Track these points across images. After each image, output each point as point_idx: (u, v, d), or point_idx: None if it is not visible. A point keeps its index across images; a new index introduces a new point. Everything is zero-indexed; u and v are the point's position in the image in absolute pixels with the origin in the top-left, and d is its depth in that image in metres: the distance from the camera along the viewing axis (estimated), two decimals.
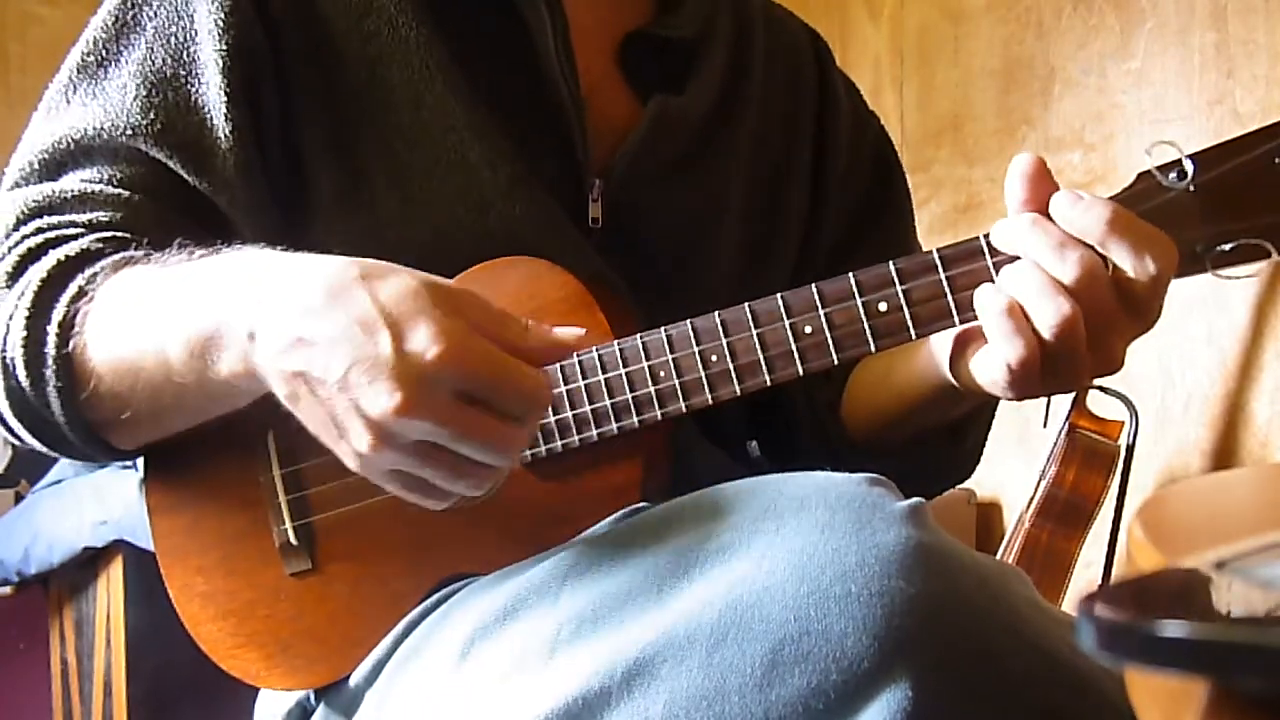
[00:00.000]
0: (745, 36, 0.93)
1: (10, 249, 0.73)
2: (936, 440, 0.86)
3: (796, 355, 0.68)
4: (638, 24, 0.87)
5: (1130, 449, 1.80)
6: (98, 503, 1.93)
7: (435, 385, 0.57)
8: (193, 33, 0.77)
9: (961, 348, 0.71)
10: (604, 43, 0.86)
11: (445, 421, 0.58)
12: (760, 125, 0.92)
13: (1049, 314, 0.61)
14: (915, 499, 0.57)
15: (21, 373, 0.69)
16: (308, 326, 0.59)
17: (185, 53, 0.77)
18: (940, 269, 0.66)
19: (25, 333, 0.69)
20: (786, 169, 0.94)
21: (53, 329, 0.68)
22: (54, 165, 0.77)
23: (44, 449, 0.74)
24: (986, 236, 0.65)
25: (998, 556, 1.88)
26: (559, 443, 0.71)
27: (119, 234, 0.72)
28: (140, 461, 0.80)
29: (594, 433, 0.71)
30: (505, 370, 0.60)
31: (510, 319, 0.63)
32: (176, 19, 0.77)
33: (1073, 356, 0.63)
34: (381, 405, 0.57)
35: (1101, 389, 1.84)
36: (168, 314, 0.66)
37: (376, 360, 0.57)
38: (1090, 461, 1.82)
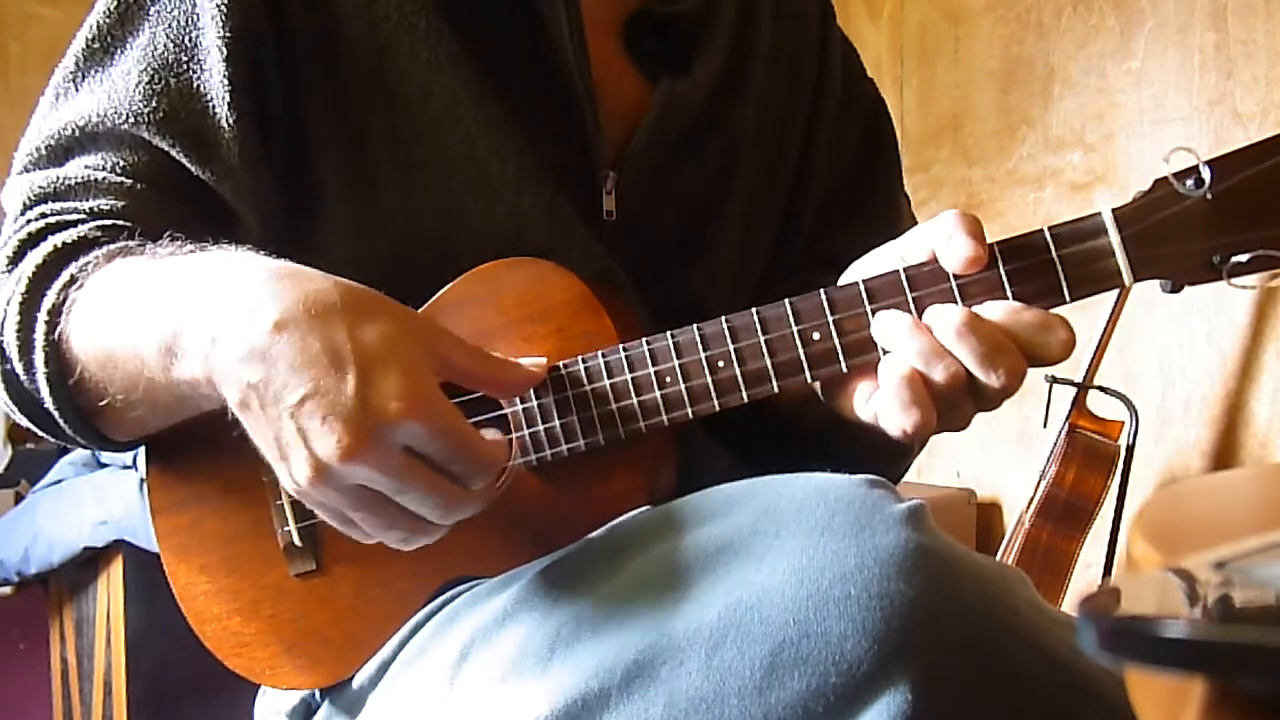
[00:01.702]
0: (752, 6, 0.91)
1: (13, 234, 0.73)
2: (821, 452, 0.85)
3: (805, 362, 0.67)
4: (640, 3, 0.86)
5: (1130, 449, 1.80)
6: (98, 503, 1.93)
7: (388, 438, 0.57)
8: (195, 17, 0.76)
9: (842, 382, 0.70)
10: (609, 24, 0.85)
11: (389, 473, 0.58)
12: (765, 94, 0.91)
13: (940, 376, 0.63)
14: (915, 501, 0.57)
15: (15, 357, 0.70)
16: (274, 342, 0.59)
17: (188, 38, 0.76)
18: (951, 278, 0.65)
19: (19, 318, 0.69)
20: (788, 131, 0.93)
21: (43, 315, 0.68)
22: (60, 151, 0.77)
23: (44, 434, 0.74)
24: (994, 245, 0.65)
25: (998, 556, 1.88)
26: (565, 447, 0.71)
27: (120, 222, 0.72)
28: (142, 461, 0.80)
29: (600, 438, 0.71)
30: (461, 440, 0.60)
31: (488, 356, 0.65)
32: (180, 3, 0.76)
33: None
34: (329, 446, 0.57)
35: (1101, 389, 1.84)
36: (144, 308, 0.66)
37: (336, 399, 0.57)
38: (1090, 461, 1.82)
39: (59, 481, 2.08)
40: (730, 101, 0.88)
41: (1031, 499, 1.86)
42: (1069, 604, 1.82)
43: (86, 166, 0.75)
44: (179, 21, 0.76)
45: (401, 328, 0.60)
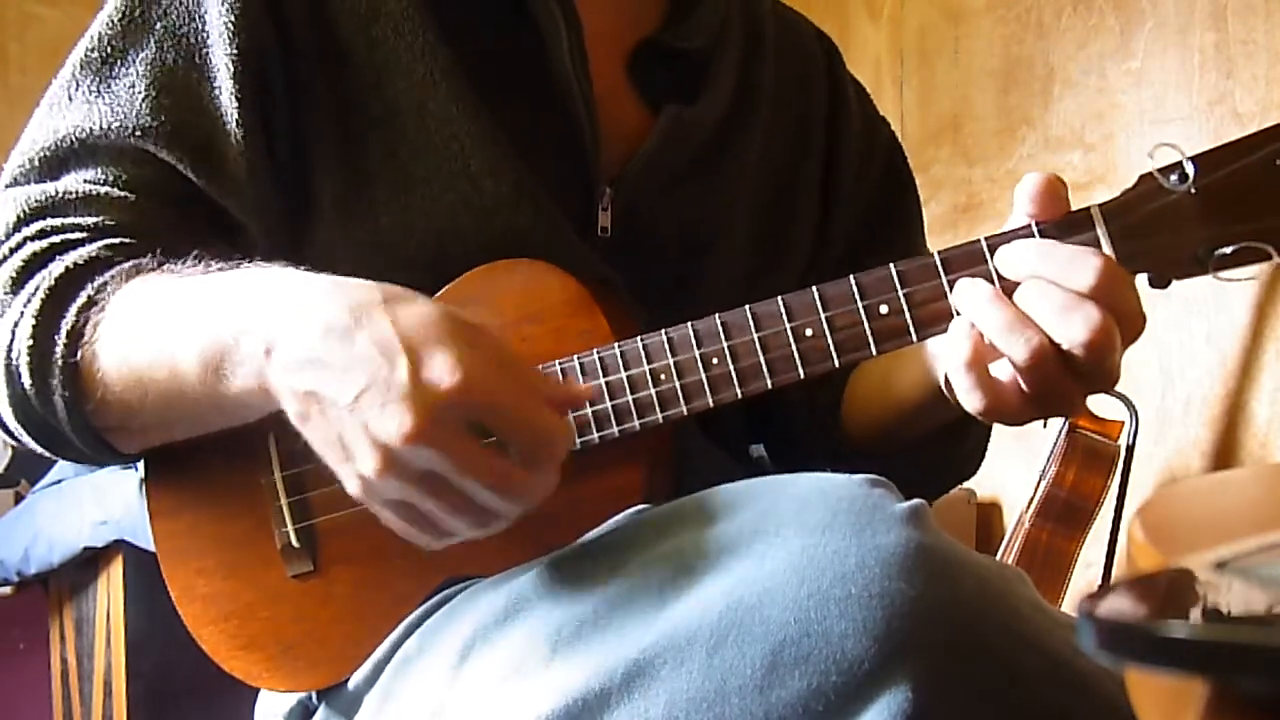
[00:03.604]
0: (756, 42, 0.92)
1: (12, 250, 0.72)
2: (936, 443, 0.85)
3: (798, 358, 0.68)
4: (648, 32, 0.86)
5: (1130, 449, 1.80)
6: (98, 503, 1.93)
7: (448, 414, 0.58)
8: (204, 34, 0.76)
9: None
10: (614, 51, 0.85)
11: (454, 453, 0.58)
12: (770, 131, 0.91)
13: (1019, 351, 0.61)
14: (916, 500, 0.57)
15: (26, 380, 0.69)
16: (325, 347, 0.60)
17: (197, 55, 0.76)
18: (942, 272, 0.65)
19: (32, 341, 0.68)
20: (795, 174, 0.93)
21: (61, 338, 0.68)
22: (55, 163, 0.76)
23: (45, 452, 0.74)
24: (989, 238, 0.65)
25: (998, 556, 1.88)
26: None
27: (126, 239, 0.72)
28: (141, 463, 0.80)
29: (595, 436, 0.71)
30: (521, 406, 0.60)
31: (524, 365, 0.64)
32: (188, 19, 0.76)
33: (1057, 387, 0.62)
34: (392, 430, 0.57)
35: None
36: (183, 326, 0.66)
37: (391, 385, 0.58)
38: (1090, 461, 1.82)
39: (59, 481, 2.08)
40: (735, 133, 0.89)
41: (1031, 499, 1.86)
42: (1069, 604, 1.82)
43: (85, 180, 0.75)
44: (187, 38, 0.76)
45: (441, 310, 0.61)
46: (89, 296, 0.69)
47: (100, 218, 0.73)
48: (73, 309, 0.69)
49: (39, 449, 0.73)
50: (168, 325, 0.67)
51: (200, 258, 0.69)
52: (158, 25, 0.77)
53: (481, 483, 0.59)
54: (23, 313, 0.69)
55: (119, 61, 0.77)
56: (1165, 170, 0.62)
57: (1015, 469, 2.14)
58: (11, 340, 0.69)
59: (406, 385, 0.57)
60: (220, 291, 0.66)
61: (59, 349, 0.68)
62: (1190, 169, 0.61)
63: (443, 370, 0.58)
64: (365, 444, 0.58)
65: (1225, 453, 1.83)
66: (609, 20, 0.84)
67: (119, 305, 0.68)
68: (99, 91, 0.76)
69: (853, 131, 0.96)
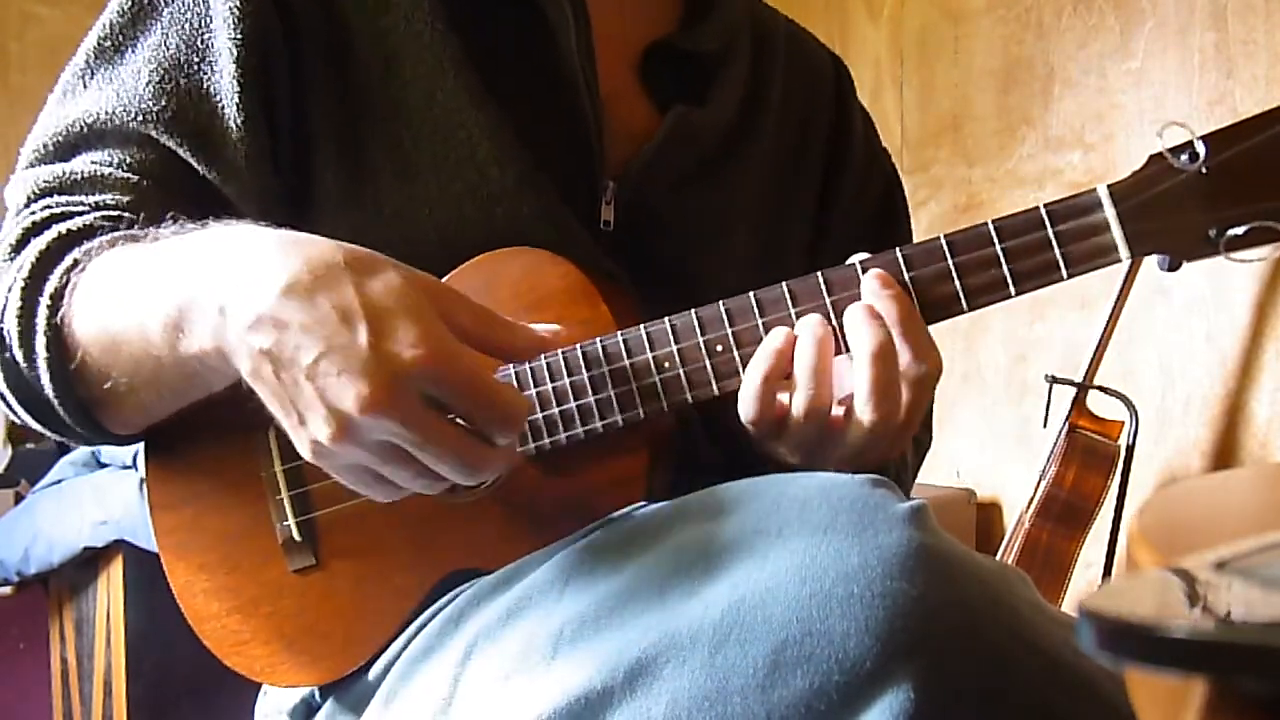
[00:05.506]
0: (766, 52, 0.93)
1: (16, 224, 0.74)
2: None
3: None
4: (660, 35, 0.87)
5: (1130, 449, 1.80)
6: (98, 503, 1.93)
7: (407, 386, 0.57)
8: (208, 19, 0.77)
9: None
10: (626, 51, 0.86)
11: (411, 425, 0.58)
12: (775, 140, 0.92)
13: (802, 402, 0.69)
14: (917, 500, 0.57)
15: (15, 343, 0.70)
16: (283, 306, 0.59)
17: (200, 40, 0.77)
18: (948, 255, 0.66)
19: (20, 304, 0.69)
20: (796, 186, 0.94)
21: (45, 300, 0.69)
22: (67, 147, 0.78)
23: (41, 429, 0.74)
24: (991, 222, 0.66)
25: (998, 556, 1.88)
26: (563, 435, 0.71)
27: (125, 214, 0.73)
28: (141, 458, 0.80)
29: (598, 424, 0.71)
30: (482, 385, 0.59)
31: (496, 318, 0.64)
32: (192, 5, 0.77)
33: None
34: (348, 399, 0.57)
35: (1101, 389, 1.84)
36: (148, 287, 0.66)
37: (350, 352, 0.57)
38: (1090, 461, 1.82)
39: (59, 481, 2.08)
40: (742, 140, 0.89)
41: (1031, 499, 1.86)
42: (1069, 604, 1.82)
43: (93, 162, 0.76)
44: (191, 23, 0.77)
45: (407, 281, 0.60)
46: (75, 259, 0.69)
47: (103, 196, 0.74)
48: (57, 271, 0.69)
49: (33, 423, 0.73)
50: (136, 287, 0.67)
51: (176, 218, 0.69)
52: (164, 12, 0.78)
53: (440, 454, 0.59)
54: (15, 278, 0.70)
55: (128, 48, 0.78)
56: (1175, 150, 0.62)
57: (1015, 469, 2.14)
58: (4, 305, 0.70)
59: (365, 353, 0.57)
60: (183, 251, 0.66)
61: (43, 311, 0.69)
62: (1201, 148, 0.61)
63: (405, 341, 0.57)
64: (320, 411, 0.58)
65: (1225, 453, 1.83)
66: (622, 22, 0.85)
67: (98, 268, 0.69)
68: (108, 78, 0.78)
69: (854, 159, 0.97)
